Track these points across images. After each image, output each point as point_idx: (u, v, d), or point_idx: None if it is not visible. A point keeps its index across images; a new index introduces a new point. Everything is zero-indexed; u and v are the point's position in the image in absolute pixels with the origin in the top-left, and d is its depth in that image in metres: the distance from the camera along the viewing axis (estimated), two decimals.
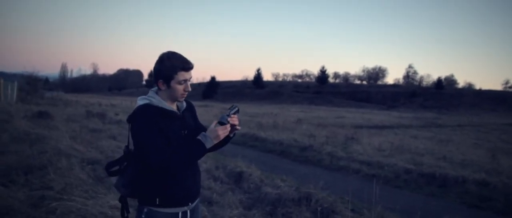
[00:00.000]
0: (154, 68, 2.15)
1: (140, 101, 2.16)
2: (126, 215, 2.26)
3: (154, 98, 2.15)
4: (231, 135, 2.25)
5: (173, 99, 2.19)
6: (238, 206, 5.34)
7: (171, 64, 2.08)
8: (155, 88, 2.21)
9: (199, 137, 2.09)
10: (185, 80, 2.13)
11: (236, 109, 2.20)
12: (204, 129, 2.33)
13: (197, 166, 2.37)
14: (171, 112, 2.16)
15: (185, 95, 2.19)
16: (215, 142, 2.09)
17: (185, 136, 2.19)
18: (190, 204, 2.25)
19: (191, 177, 2.25)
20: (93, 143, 8.91)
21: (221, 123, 2.13)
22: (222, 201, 5.46)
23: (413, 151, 12.51)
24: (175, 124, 2.16)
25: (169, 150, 2.03)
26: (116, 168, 2.20)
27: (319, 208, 5.18)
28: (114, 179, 2.27)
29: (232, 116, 2.17)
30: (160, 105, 2.14)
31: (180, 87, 2.13)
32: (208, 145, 2.08)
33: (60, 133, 9.79)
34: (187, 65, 2.11)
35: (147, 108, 2.11)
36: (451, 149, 14.26)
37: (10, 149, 7.53)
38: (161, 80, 2.13)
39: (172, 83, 2.11)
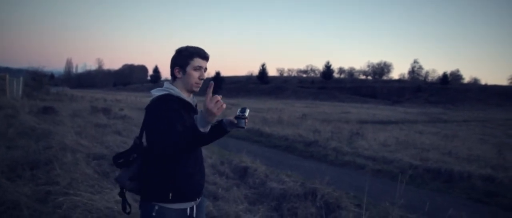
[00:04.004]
0: (171, 59, 2.19)
1: (157, 92, 2.17)
2: (129, 210, 2.24)
3: (173, 89, 2.16)
4: (229, 129, 2.21)
5: (189, 88, 2.19)
6: (243, 201, 5.34)
7: (188, 51, 2.15)
8: (170, 81, 2.23)
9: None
10: (200, 67, 2.17)
11: (248, 110, 2.22)
12: None
13: (202, 161, 2.36)
14: (189, 104, 2.19)
15: (200, 85, 2.20)
16: (210, 119, 1.90)
17: None
18: (197, 199, 2.24)
19: (199, 171, 2.25)
20: (98, 138, 8.93)
21: (240, 127, 2.18)
22: (227, 196, 5.47)
23: (418, 146, 12.47)
24: (191, 116, 2.16)
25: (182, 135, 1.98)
26: (123, 160, 2.19)
27: (318, 203, 5.17)
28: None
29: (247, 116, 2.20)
30: (179, 96, 2.15)
31: (196, 74, 2.16)
32: (201, 126, 1.90)
33: (65, 128, 9.82)
34: (202, 52, 2.17)
35: (168, 97, 2.12)
36: (457, 144, 14.20)
37: (16, 144, 7.57)
38: (177, 68, 2.17)
39: (188, 69, 2.15)
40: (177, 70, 2.17)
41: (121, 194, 2.22)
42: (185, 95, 2.19)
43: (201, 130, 1.91)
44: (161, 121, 2.00)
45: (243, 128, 2.20)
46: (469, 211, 5.87)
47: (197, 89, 2.21)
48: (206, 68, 2.21)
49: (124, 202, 2.22)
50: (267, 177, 6.60)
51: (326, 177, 6.12)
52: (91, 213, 4.04)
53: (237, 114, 2.16)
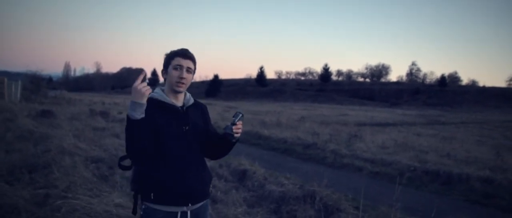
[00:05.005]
0: None
1: None
2: (136, 212, 2.25)
3: (157, 92, 2.23)
4: (234, 140, 2.26)
5: (172, 88, 2.22)
6: (242, 204, 5.34)
7: (170, 53, 2.24)
8: (161, 86, 2.31)
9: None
10: (181, 66, 2.19)
11: (241, 115, 2.24)
12: (214, 133, 2.39)
13: (205, 167, 2.36)
14: (171, 106, 2.20)
15: (182, 84, 2.20)
16: (138, 99, 1.95)
17: (186, 132, 2.21)
18: (190, 205, 2.20)
19: (193, 176, 2.22)
20: (97, 142, 8.93)
21: (228, 134, 2.20)
22: (226, 199, 5.47)
23: (417, 149, 12.47)
24: (174, 118, 2.18)
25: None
26: (128, 163, 2.23)
27: (317, 206, 5.17)
28: (119, 177, 2.26)
29: (237, 123, 2.21)
30: (160, 98, 2.20)
31: (175, 73, 2.19)
32: (131, 109, 1.97)
33: (63, 131, 9.81)
34: (182, 52, 2.21)
35: (148, 100, 2.15)
36: (455, 146, 14.21)
37: (14, 148, 7.55)
38: (163, 70, 2.27)
39: (169, 69, 2.22)
40: (163, 72, 2.28)
41: (134, 196, 2.23)
42: (170, 98, 2.23)
43: (130, 113, 1.98)
44: None
45: (231, 134, 2.20)
46: (468, 214, 5.87)
47: (179, 89, 2.20)
48: (189, 68, 2.21)
49: (135, 204, 2.22)
50: (266, 180, 6.60)
51: (325, 179, 6.12)
52: (90, 217, 4.03)
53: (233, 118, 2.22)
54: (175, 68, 2.18)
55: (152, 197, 2.12)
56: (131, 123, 1.98)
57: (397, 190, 4.43)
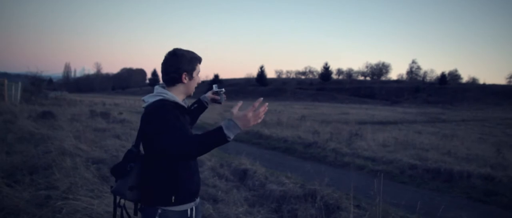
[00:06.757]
0: (174, 64, 2.15)
1: (151, 98, 2.16)
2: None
3: (167, 94, 2.15)
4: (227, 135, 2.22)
5: (189, 92, 2.25)
6: (243, 204, 5.34)
7: (192, 56, 2.18)
8: (162, 85, 2.22)
9: (221, 124, 1.95)
10: (199, 72, 2.24)
11: (223, 90, 2.45)
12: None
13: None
14: (183, 107, 2.21)
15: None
16: (244, 126, 1.93)
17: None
18: (196, 199, 2.27)
19: (197, 172, 2.29)
20: (97, 142, 8.92)
21: (217, 93, 2.50)
22: (227, 198, 5.47)
23: (417, 146, 12.46)
24: (186, 119, 2.19)
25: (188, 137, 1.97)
26: (123, 171, 2.16)
27: (318, 205, 5.17)
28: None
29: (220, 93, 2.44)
30: (176, 100, 2.16)
31: (198, 79, 2.24)
32: (233, 132, 1.93)
33: (64, 132, 9.81)
34: (200, 58, 2.23)
35: (165, 102, 2.12)
36: (456, 144, 14.19)
37: (15, 149, 7.56)
38: (185, 73, 2.16)
39: (194, 74, 2.20)
40: (184, 75, 2.16)
41: (119, 205, 2.20)
42: (179, 99, 2.20)
43: (229, 135, 1.93)
44: (169, 125, 2.00)
45: (220, 103, 2.47)
46: (469, 211, 5.87)
47: (192, 93, 2.27)
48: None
49: (123, 212, 2.20)
50: (267, 179, 6.60)
51: (326, 178, 6.13)
52: None
53: (215, 90, 2.49)
54: (198, 74, 2.23)
55: (173, 201, 2.11)
56: (223, 140, 1.94)
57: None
